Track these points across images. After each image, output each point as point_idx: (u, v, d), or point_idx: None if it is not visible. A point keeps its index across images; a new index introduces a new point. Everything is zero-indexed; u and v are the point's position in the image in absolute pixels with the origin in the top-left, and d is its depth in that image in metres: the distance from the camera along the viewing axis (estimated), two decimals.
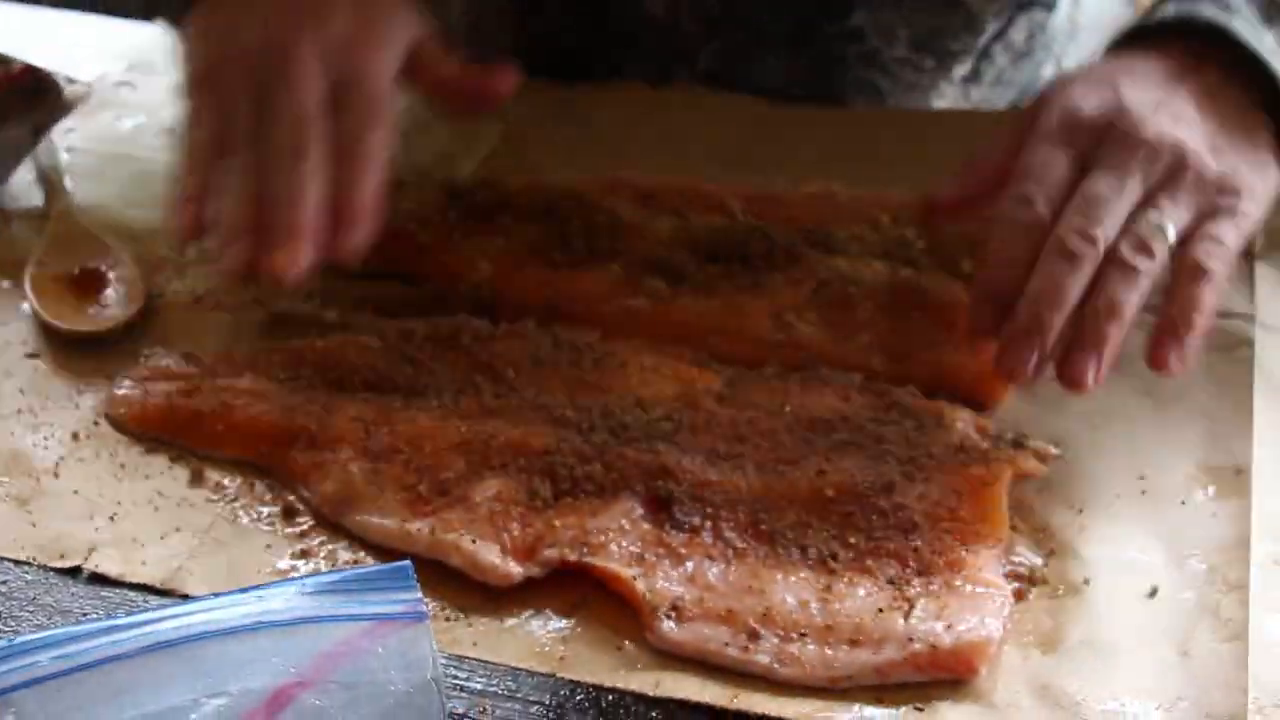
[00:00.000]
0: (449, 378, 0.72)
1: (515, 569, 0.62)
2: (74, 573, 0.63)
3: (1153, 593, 0.62)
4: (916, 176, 0.82)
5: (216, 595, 0.53)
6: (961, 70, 1.02)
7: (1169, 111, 0.71)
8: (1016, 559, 0.64)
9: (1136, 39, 0.78)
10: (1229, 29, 0.74)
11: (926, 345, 0.74)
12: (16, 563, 0.63)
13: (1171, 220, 0.68)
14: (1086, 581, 0.63)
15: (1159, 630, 0.61)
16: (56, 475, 0.68)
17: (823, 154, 0.92)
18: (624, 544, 0.63)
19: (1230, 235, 0.70)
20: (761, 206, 0.84)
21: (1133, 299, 0.67)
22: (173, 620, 0.51)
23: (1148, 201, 0.69)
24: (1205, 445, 0.70)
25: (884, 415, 0.69)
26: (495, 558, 0.62)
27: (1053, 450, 0.69)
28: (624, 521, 0.63)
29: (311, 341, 0.75)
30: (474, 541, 0.62)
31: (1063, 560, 0.64)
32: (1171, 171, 0.70)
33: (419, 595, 0.53)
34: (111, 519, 0.66)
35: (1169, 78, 0.74)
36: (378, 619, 0.52)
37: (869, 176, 0.87)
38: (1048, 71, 1.04)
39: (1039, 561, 0.64)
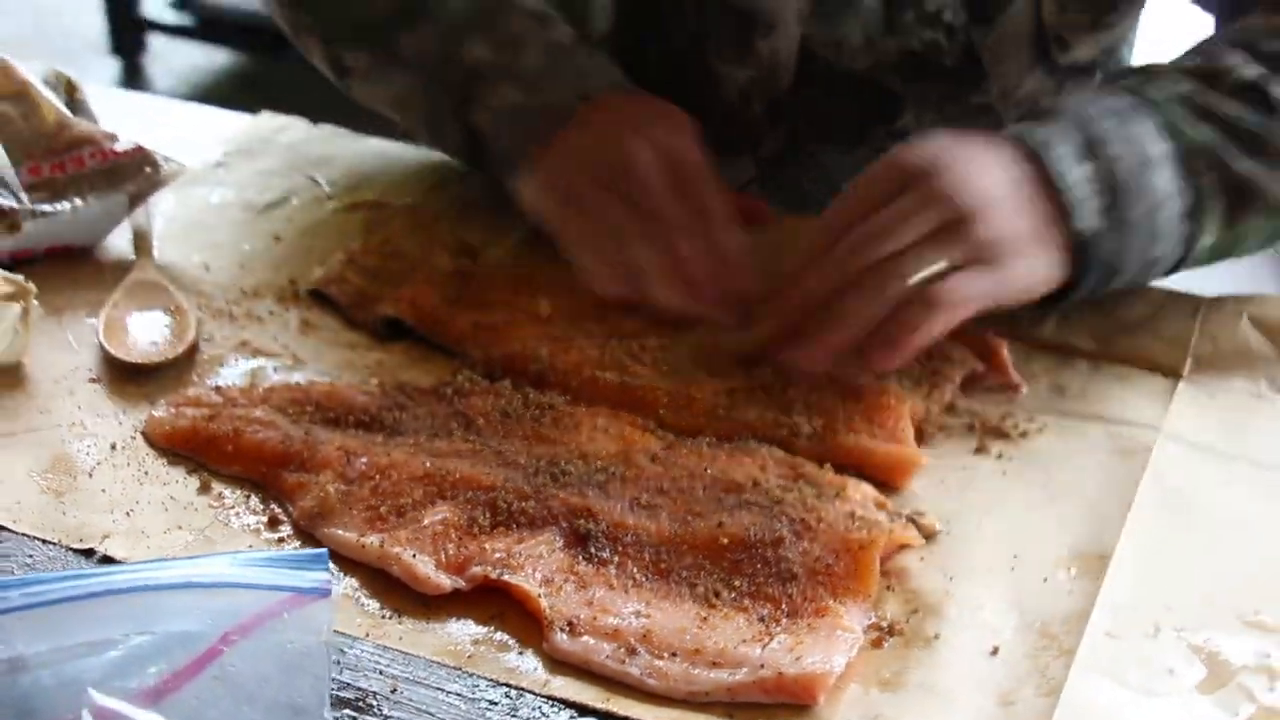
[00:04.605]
0: (427, 422, 0.83)
1: (445, 581, 0.72)
2: (88, 554, 0.74)
3: (994, 651, 0.70)
4: None
5: (162, 560, 0.65)
6: None
7: (974, 172, 0.83)
8: (882, 613, 0.72)
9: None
10: (1049, 157, 0.85)
11: (848, 431, 0.83)
12: (45, 542, 0.75)
13: (927, 262, 0.81)
14: (937, 636, 0.71)
15: (991, 683, 0.69)
16: (91, 476, 0.80)
17: None
18: (540, 568, 0.73)
19: (975, 287, 0.82)
20: None
21: (861, 309, 0.81)
22: (120, 575, 0.63)
23: (920, 243, 0.81)
24: (1080, 534, 0.78)
25: (791, 483, 0.78)
26: (429, 570, 0.72)
27: (938, 527, 0.78)
28: (544, 550, 0.74)
29: (317, 383, 0.87)
30: (414, 556, 0.73)
31: (923, 618, 0.72)
32: (950, 224, 0.82)
33: (328, 576, 0.64)
34: (128, 514, 0.77)
35: (985, 158, 0.85)
36: (291, 590, 0.64)
37: None
38: None
39: (902, 617, 0.72)
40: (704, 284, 0.87)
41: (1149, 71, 0.92)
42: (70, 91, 1.04)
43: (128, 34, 3.63)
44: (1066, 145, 0.86)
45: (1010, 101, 1.08)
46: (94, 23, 3.64)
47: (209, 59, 3.60)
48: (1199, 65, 0.91)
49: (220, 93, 3.38)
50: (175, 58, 3.66)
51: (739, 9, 1.04)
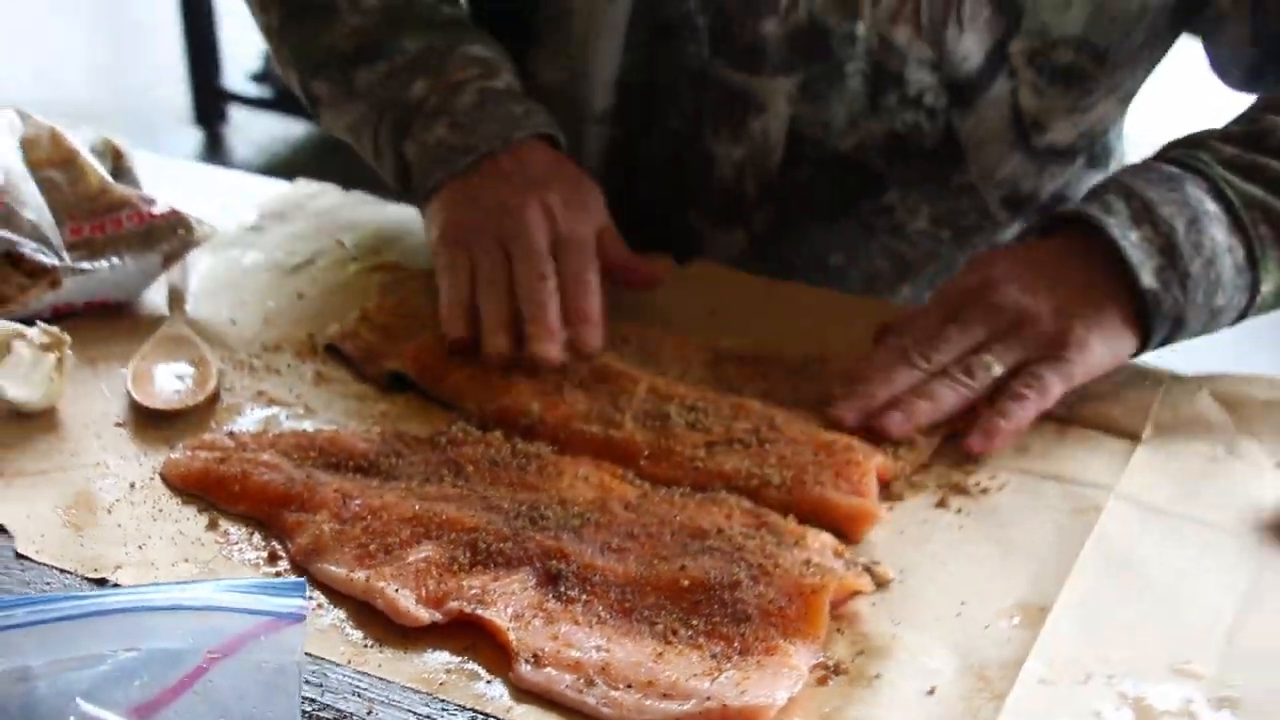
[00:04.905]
0: (421, 468, 0.88)
1: (423, 614, 0.77)
2: (101, 582, 0.80)
3: (931, 691, 0.74)
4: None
5: (155, 585, 0.71)
6: (981, 243, 1.16)
7: (1024, 285, 0.92)
8: (830, 654, 0.77)
9: (1044, 229, 0.98)
10: (1103, 224, 0.92)
11: (815, 484, 0.88)
12: (62, 571, 0.81)
13: (997, 358, 0.90)
14: (879, 676, 0.75)
15: None
16: (109, 512, 0.85)
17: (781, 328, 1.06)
18: (511, 604, 0.78)
19: (1049, 375, 0.90)
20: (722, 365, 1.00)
21: (945, 395, 0.90)
22: (114, 597, 0.69)
23: (984, 346, 0.91)
24: (1026, 586, 0.81)
25: (754, 531, 0.83)
26: (409, 604, 0.77)
27: (892, 575, 0.82)
28: (517, 587, 0.79)
29: (323, 430, 0.92)
30: (396, 590, 0.78)
31: (868, 659, 0.76)
32: (1011, 326, 0.91)
33: (303, 603, 0.70)
34: (140, 547, 0.83)
35: (1041, 258, 0.94)
36: (269, 615, 0.69)
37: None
38: None
39: (848, 658, 0.77)
40: (541, 333, 0.95)
41: (1193, 141, 0.99)
42: (116, 158, 1.11)
43: (210, 105, 3.75)
44: (1120, 214, 0.93)
45: (991, 182, 1.12)
46: (179, 94, 3.76)
47: (285, 130, 3.71)
48: (1242, 129, 0.98)
49: (294, 161, 3.48)
50: (254, 128, 3.78)
51: (733, 91, 1.09)
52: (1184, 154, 0.97)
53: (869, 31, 1.05)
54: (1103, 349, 0.93)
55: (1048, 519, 0.87)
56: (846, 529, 0.86)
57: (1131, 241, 0.92)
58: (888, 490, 0.90)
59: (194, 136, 3.71)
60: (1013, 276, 0.93)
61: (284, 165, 3.43)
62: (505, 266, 0.98)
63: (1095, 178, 1.17)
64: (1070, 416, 0.96)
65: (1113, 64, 1.07)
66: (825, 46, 1.06)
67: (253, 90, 3.74)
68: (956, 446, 0.93)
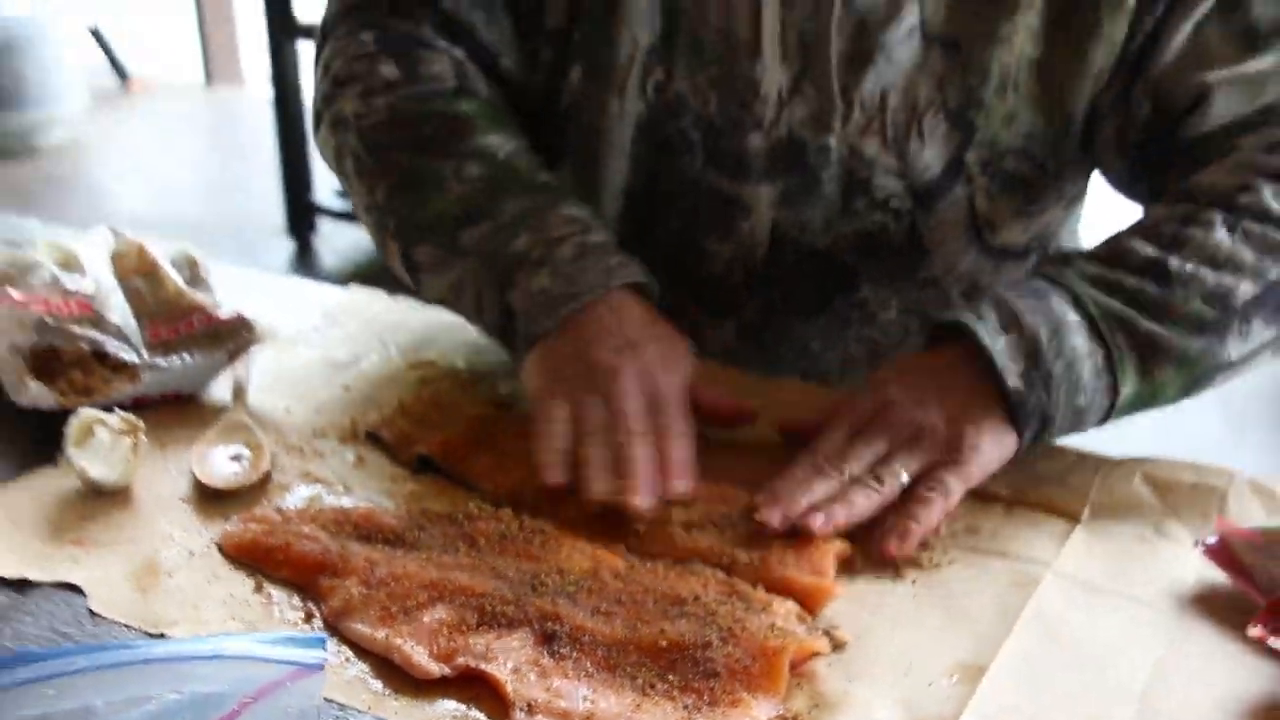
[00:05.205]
0: (440, 541, 0.91)
1: (434, 668, 0.80)
2: (159, 637, 0.84)
3: None
4: None
5: (197, 637, 0.74)
6: None
7: (916, 400, 0.94)
8: (789, 707, 0.78)
9: (930, 337, 1.01)
10: (974, 330, 0.94)
11: (778, 562, 0.90)
12: (127, 627, 0.84)
13: (903, 466, 0.90)
14: None
15: None
16: (170, 576, 0.89)
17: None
18: (511, 660, 0.80)
19: (950, 479, 0.91)
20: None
21: (860, 501, 0.91)
22: (162, 647, 0.72)
23: (890, 456, 0.91)
24: (967, 649, 0.83)
25: (726, 599, 0.85)
26: (423, 659, 0.80)
27: (847, 638, 0.84)
28: (516, 645, 0.81)
29: (357, 507, 0.95)
30: (412, 647, 0.81)
31: (822, 711, 0.78)
32: (912, 438, 0.91)
33: (324, 655, 0.73)
34: (194, 607, 0.86)
35: (929, 371, 0.96)
36: (295, 665, 0.72)
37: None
38: None
39: (805, 710, 0.78)
40: (637, 486, 0.93)
41: (1063, 259, 1.01)
42: (192, 267, 1.15)
43: (301, 218, 3.83)
44: (989, 321, 0.94)
45: (952, 276, 1.15)
46: (275, 209, 3.85)
47: (367, 240, 3.77)
48: (1106, 249, 0.99)
49: (374, 269, 3.54)
50: (339, 239, 3.85)
51: (723, 197, 1.12)
52: (1052, 271, 0.99)
53: (841, 145, 1.08)
54: (992, 449, 0.94)
55: (991, 591, 0.88)
56: (806, 604, 0.87)
57: (999, 347, 0.94)
58: (850, 565, 0.92)
59: (287, 246, 3.79)
60: (906, 394, 0.95)
61: (365, 271, 3.49)
62: (606, 420, 0.97)
63: None
64: (1016, 499, 0.97)
65: (1052, 172, 1.10)
66: (803, 158, 1.09)
67: (338, 204, 3.82)
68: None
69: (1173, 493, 0.97)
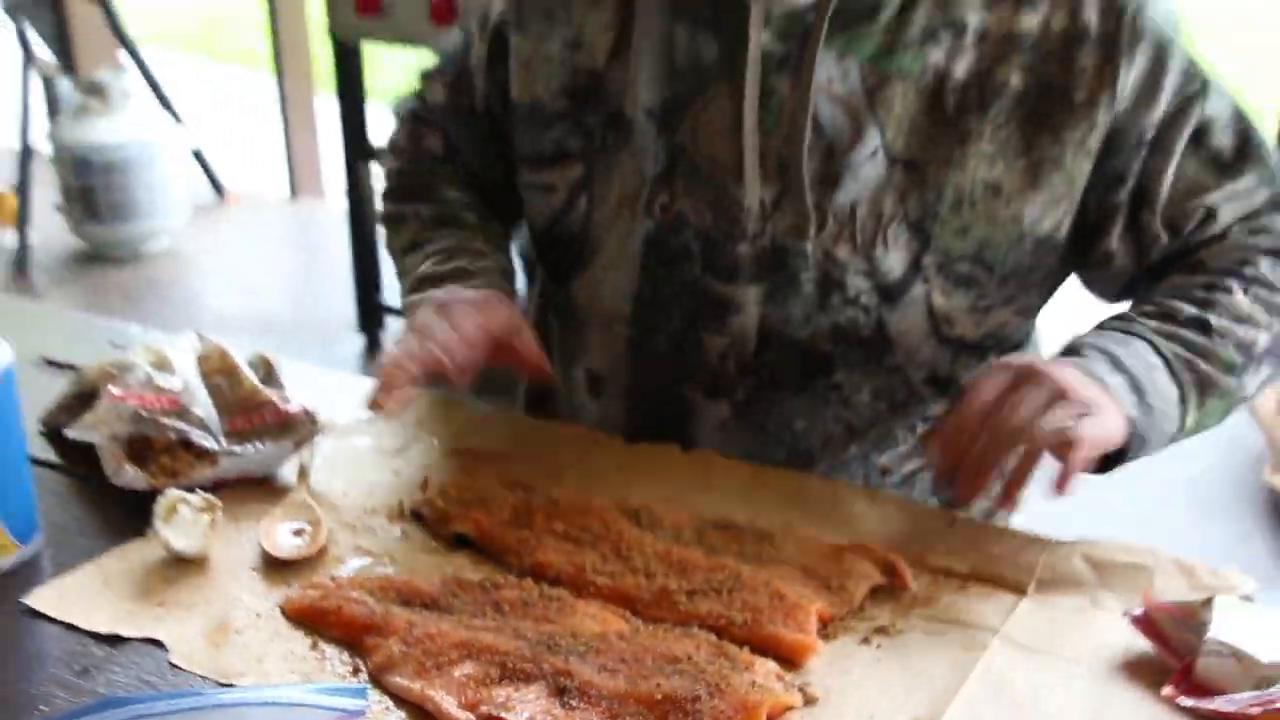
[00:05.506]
0: (470, 606, 0.95)
1: (462, 716, 0.84)
2: (229, 686, 0.89)
3: None
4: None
5: (261, 686, 0.79)
6: (911, 413, 1.22)
7: (1057, 371, 0.99)
8: None
9: None
10: (1094, 374, 1.01)
11: (768, 621, 0.93)
12: (202, 677, 0.89)
13: (1059, 418, 0.95)
14: None
15: None
16: (239, 634, 0.93)
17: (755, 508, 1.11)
18: (527, 710, 0.84)
19: (1089, 429, 0.96)
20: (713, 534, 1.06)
21: (1032, 452, 0.97)
22: (229, 694, 0.77)
23: (1046, 408, 0.96)
24: (923, 704, 0.86)
25: (715, 659, 0.89)
26: (452, 709, 0.85)
27: (818, 694, 0.87)
28: (532, 697, 0.85)
29: (399, 577, 1.00)
30: (442, 697, 0.86)
31: None
32: (1057, 394, 0.97)
33: (367, 703, 0.77)
34: (259, 661, 0.90)
35: (1062, 362, 1.02)
36: (338, 711, 0.77)
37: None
38: None
39: None
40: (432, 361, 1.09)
41: (1124, 316, 1.11)
42: (266, 368, 1.20)
43: (370, 316, 3.89)
44: (1101, 365, 1.03)
45: (914, 365, 1.18)
46: (347, 307, 3.92)
47: None
48: (1153, 309, 1.10)
49: None
50: None
51: (717, 298, 1.16)
52: (1122, 325, 1.09)
53: (817, 251, 1.13)
54: (1113, 427, 1.00)
55: (945, 654, 0.92)
56: (791, 658, 0.91)
57: (1116, 383, 1.02)
58: (826, 630, 0.95)
59: (358, 340, 3.85)
60: (1048, 365, 1.00)
61: None
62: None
63: None
64: (972, 574, 1.00)
65: (1000, 276, 1.14)
66: (785, 263, 1.14)
67: None
68: (878, 600, 0.99)
69: (1107, 570, 1.00)
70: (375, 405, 1.06)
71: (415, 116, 1.35)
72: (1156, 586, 0.97)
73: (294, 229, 4.34)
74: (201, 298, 3.90)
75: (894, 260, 1.13)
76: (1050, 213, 1.12)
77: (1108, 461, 1.04)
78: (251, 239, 4.25)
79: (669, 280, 1.19)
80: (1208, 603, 0.89)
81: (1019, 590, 0.99)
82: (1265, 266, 1.12)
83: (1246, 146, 1.13)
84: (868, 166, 1.11)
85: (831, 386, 1.18)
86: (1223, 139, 1.13)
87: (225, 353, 1.18)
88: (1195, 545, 2.45)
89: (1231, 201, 1.13)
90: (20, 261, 3.90)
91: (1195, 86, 1.11)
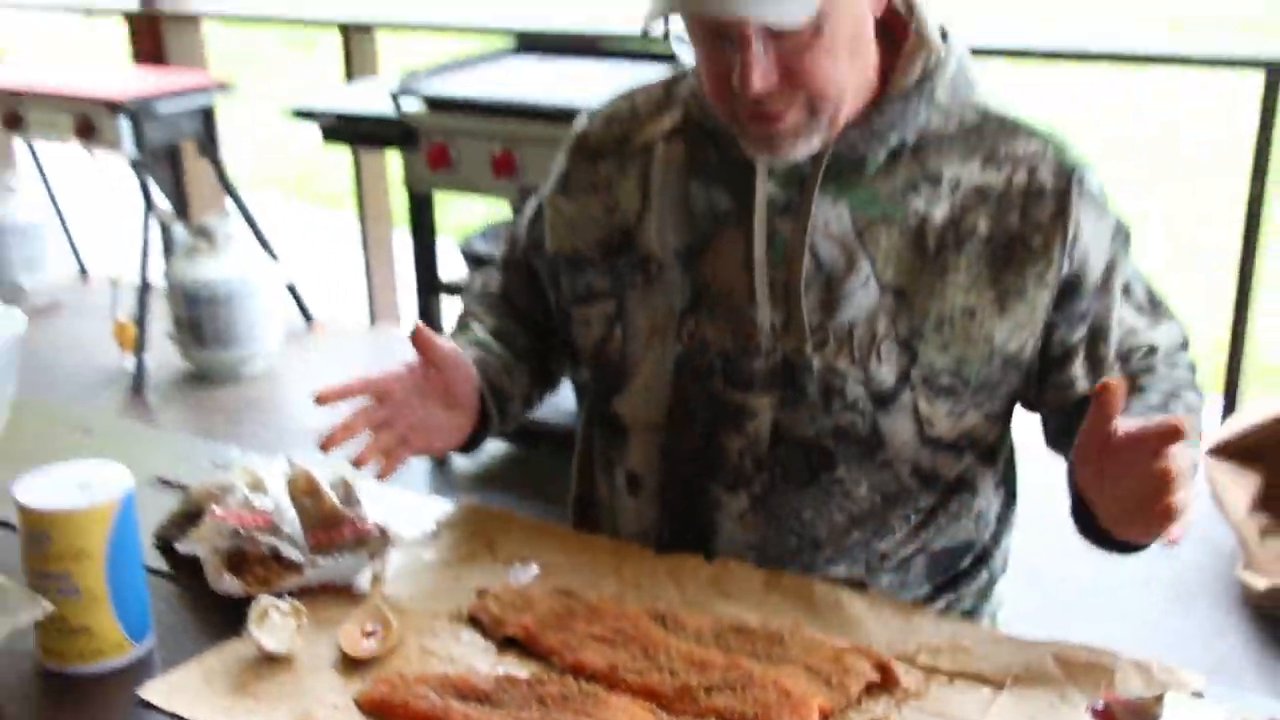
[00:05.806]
0: (518, 700, 0.99)
1: None
2: None
3: None
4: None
5: None
6: (902, 506, 1.25)
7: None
8: None
9: None
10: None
11: (774, 717, 0.97)
12: None
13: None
14: None
15: None
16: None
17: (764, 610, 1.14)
18: None
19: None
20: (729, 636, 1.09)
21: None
22: None
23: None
24: None
25: None
26: None
27: None
28: None
29: (457, 673, 1.04)
30: None
31: None
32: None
33: None
34: None
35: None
36: None
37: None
38: (978, 532, 1.30)
39: None
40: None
41: (1152, 374, 1.22)
42: (346, 488, 1.26)
43: None
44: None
45: (901, 460, 1.22)
46: None
47: (493, 447, 3.86)
48: (1156, 397, 1.19)
49: (499, 471, 3.61)
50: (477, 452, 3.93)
51: (736, 406, 1.22)
52: (1151, 382, 1.20)
53: (820, 364, 1.19)
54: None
55: None
56: None
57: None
58: (828, 718, 0.98)
59: (425, 462, 3.88)
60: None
61: (493, 473, 3.57)
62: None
63: (988, 471, 1.29)
64: (956, 672, 1.03)
65: (974, 388, 1.20)
66: (793, 375, 1.20)
67: None
68: (874, 695, 1.02)
69: (1073, 668, 1.02)
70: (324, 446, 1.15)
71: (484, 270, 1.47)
72: (1116, 683, 0.99)
73: (373, 353, 4.43)
74: (293, 414, 3.98)
75: (886, 372, 1.19)
76: (1016, 335, 1.19)
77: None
78: (336, 362, 4.34)
79: (696, 393, 1.26)
80: (1159, 699, 0.91)
81: (997, 686, 1.01)
82: (1192, 397, 1.22)
83: (1154, 295, 1.27)
84: (861, 293, 1.18)
85: (835, 480, 1.23)
86: (1139, 290, 1.25)
87: (310, 476, 1.24)
88: (1172, 636, 2.46)
89: (1164, 339, 1.23)
90: (138, 384, 4.03)
91: (1121, 240, 1.21)
